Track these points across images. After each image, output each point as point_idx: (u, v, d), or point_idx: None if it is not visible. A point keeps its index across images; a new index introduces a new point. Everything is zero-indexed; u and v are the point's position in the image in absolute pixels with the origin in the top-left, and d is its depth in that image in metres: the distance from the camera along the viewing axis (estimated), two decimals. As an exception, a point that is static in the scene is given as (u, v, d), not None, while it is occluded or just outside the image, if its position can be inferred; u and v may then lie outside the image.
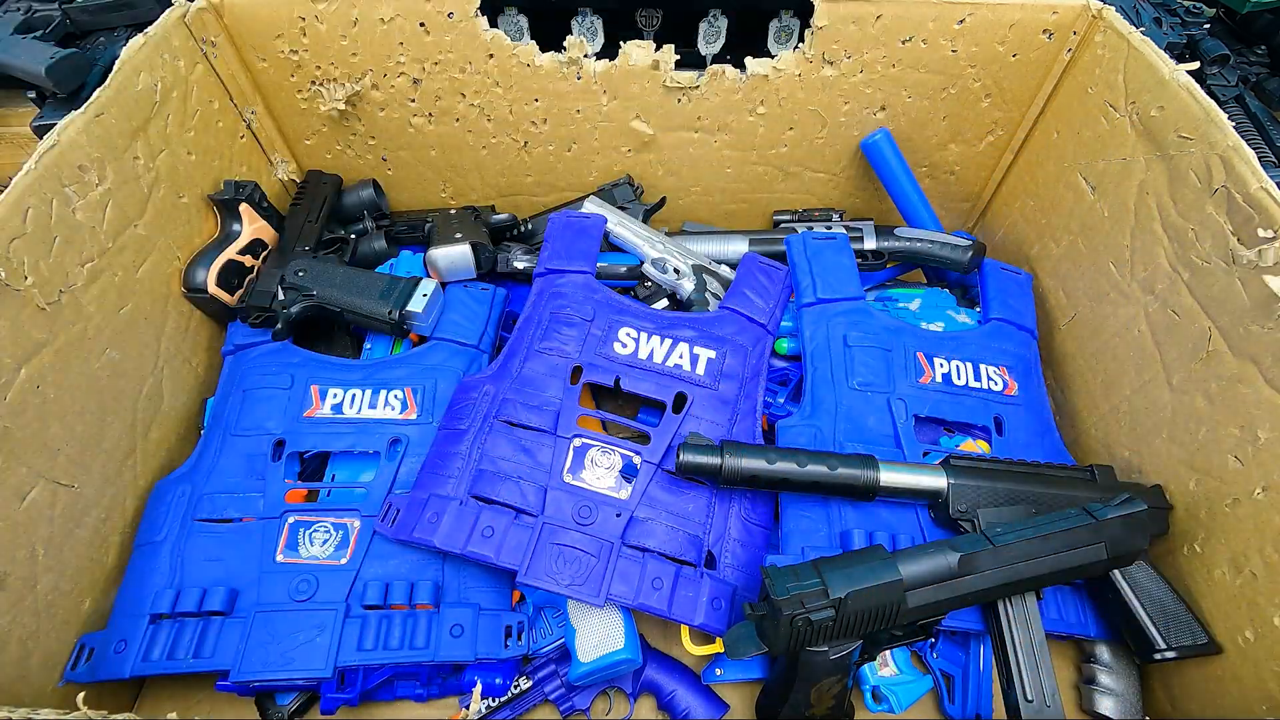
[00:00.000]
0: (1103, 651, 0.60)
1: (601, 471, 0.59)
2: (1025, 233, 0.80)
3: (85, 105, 0.56)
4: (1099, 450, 0.67)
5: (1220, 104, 0.81)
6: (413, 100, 0.75)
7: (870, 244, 0.80)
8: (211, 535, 0.58)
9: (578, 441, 0.60)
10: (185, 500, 0.60)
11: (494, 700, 0.58)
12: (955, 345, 0.69)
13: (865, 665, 0.60)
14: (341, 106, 0.74)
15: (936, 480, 0.57)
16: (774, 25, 0.78)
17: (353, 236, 0.81)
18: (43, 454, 0.53)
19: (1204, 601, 0.55)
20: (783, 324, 0.72)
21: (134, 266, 0.61)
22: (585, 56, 0.71)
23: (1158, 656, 0.54)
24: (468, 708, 0.55)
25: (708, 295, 0.75)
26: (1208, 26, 0.98)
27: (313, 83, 0.74)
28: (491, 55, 0.71)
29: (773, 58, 0.72)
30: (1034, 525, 0.53)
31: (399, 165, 0.83)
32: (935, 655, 0.61)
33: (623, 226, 0.77)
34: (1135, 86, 0.62)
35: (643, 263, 0.77)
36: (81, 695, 0.41)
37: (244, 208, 0.71)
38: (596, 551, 0.54)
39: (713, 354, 0.66)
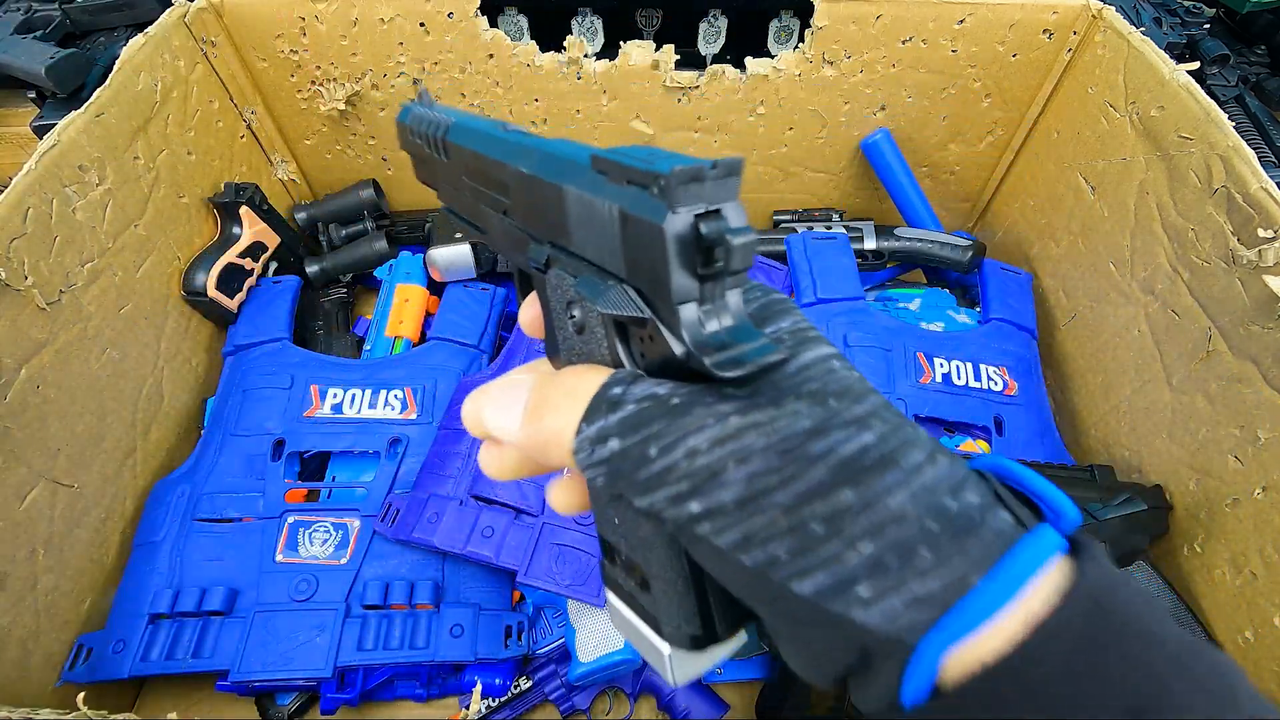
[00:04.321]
0: (1103, 651, 0.60)
1: (601, 471, 0.59)
2: (1025, 233, 0.80)
3: (85, 105, 0.56)
4: (1099, 450, 0.67)
5: (1220, 104, 0.81)
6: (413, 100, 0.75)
7: (870, 244, 0.80)
8: (211, 535, 0.58)
9: (578, 441, 0.60)
10: (185, 500, 0.60)
11: (494, 700, 0.58)
12: (955, 345, 0.69)
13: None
14: (341, 106, 0.74)
15: (936, 480, 0.57)
16: (774, 25, 0.78)
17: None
18: (43, 454, 0.52)
19: (1204, 601, 0.55)
20: (783, 324, 0.72)
21: (134, 266, 0.61)
22: (585, 56, 0.71)
23: (1158, 656, 0.54)
24: (468, 708, 0.55)
25: (708, 295, 0.75)
26: (1208, 26, 0.98)
27: (313, 83, 0.73)
28: (491, 55, 0.71)
29: (773, 58, 0.72)
30: (1034, 525, 0.53)
31: (399, 165, 0.83)
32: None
33: (623, 226, 0.77)
34: (1135, 86, 0.62)
35: (643, 263, 0.77)
36: (81, 695, 0.41)
37: (244, 210, 0.71)
38: (596, 551, 0.54)
39: (713, 354, 0.66)
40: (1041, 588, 0.16)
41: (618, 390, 0.19)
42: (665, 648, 0.22)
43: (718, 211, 0.17)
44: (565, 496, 0.23)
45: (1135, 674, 0.15)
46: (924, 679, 0.17)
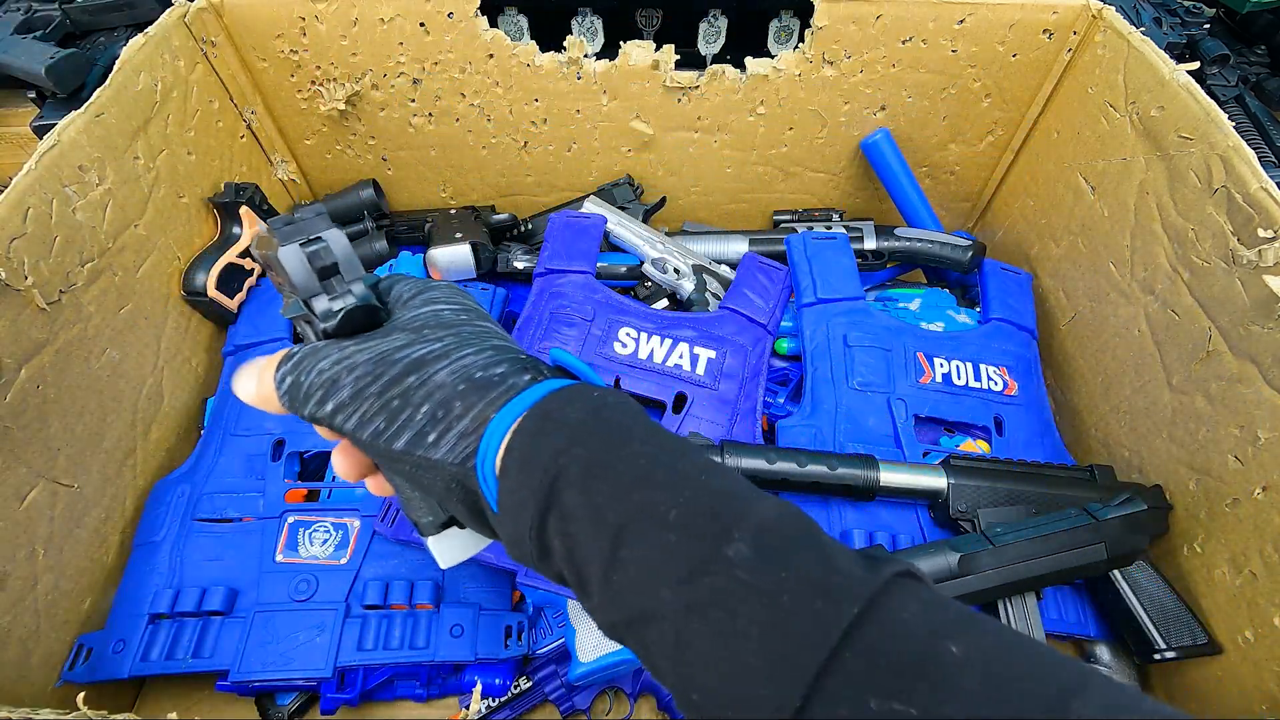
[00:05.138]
0: (1103, 651, 0.60)
1: (601, 471, 0.59)
2: (1025, 233, 0.80)
3: (85, 105, 0.56)
4: (1099, 450, 0.67)
5: (1220, 104, 0.81)
6: (413, 100, 0.75)
7: (870, 244, 0.80)
8: (211, 535, 0.58)
9: (577, 441, 0.60)
10: (185, 500, 0.60)
11: (494, 700, 0.58)
12: (955, 345, 0.69)
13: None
14: (341, 106, 0.74)
15: (936, 480, 0.57)
16: (774, 25, 0.78)
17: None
18: (43, 454, 0.52)
19: (1204, 601, 0.55)
20: (783, 324, 0.72)
21: (134, 266, 0.61)
22: (585, 56, 0.71)
23: (1157, 657, 0.54)
24: (468, 708, 0.55)
25: (708, 295, 0.75)
26: (1208, 26, 0.98)
27: (313, 83, 0.73)
28: (491, 55, 0.71)
29: (773, 58, 0.72)
30: (1034, 525, 0.53)
31: (399, 165, 0.83)
32: (935, 655, 0.61)
33: (623, 226, 0.77)
34: (1135, 86, 0.62)
35: (643, 263, 0.77)
36: (81, 695, 0.41)
37: (244, 210, 0.71)
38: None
39: (713, 354, 0.66)
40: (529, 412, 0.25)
41: (294, 349, 0.29)
42: (425, 540, 0.33)
43: (319, 237, 0.29)
44: (339, 464, 0.33)
45: (553, 445, 0.24)
46: (491, 490, 0.25)
